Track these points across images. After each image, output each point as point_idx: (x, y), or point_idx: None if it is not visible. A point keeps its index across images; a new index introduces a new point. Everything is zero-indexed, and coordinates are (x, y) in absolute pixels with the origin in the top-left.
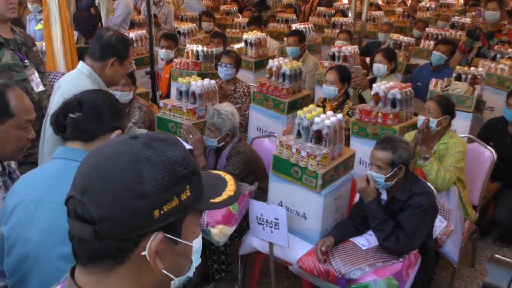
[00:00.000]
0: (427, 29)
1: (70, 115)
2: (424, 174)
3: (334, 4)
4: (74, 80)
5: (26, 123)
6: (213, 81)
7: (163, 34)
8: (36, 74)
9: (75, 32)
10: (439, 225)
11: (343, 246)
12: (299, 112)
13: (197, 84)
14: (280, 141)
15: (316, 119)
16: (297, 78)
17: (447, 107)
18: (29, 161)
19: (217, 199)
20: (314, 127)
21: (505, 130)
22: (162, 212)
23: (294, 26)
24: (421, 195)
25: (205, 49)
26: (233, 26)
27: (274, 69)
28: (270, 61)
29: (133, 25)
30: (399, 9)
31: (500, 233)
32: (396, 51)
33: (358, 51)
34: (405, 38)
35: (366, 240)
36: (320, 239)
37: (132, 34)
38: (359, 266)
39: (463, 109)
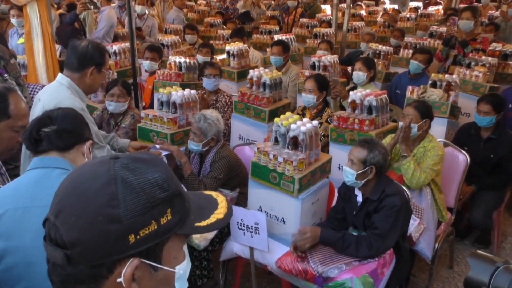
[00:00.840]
0: (406, 38)
1: (44, 129)
2: (398, 177)
3: (316, 15)
4: (54, 91)
5: (20, 127)
6: (193, 91)
7: (148, 46)
8: (17, 88)
9: (58, 46)
10: (412, 223)
11: (321, 247)
12: (276, 119)
13: (177, 94)
14: (258, 148)
15: (292, 126)
16: (277, 87)
17: (425, 111)
18: (14, 173)
19: (204, 223)
20: (291, 134)
21: (478, 134)
22: (138, 237)
23: (277, 37)
24: (394, 196)
25: (187, 60)
26: (216, 38)
27: (254, 78)
28: (251, 71)
29: (117, 38)
30: (380, 20)
31: (477, 235)
32: (375, 60)
33: (338, 60)
34: (384, 47)
35: None
36: (297, 233)
37: (115, 47)
38: (336, 265)
39: (438, 115)
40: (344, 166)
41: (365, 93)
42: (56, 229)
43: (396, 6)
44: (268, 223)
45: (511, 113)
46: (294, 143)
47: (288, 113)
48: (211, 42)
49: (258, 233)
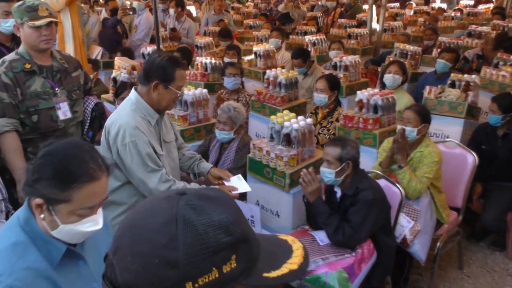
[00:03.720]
0: (440, 38)
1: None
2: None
3: (357, 15)
4: (121, 105)
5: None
6: (204, 90)
7: (177, 48)
8: (66, 102)
9: (100, 48)
10: (406, 225)
11: (302, 240)
12: (272, 117)
13: (189, 93)
14: (254, 144)
15: (286, 123)
16: (292, 87)
17: (425, 116)
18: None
19: (274, 273)
20: (284, 131)
21: (494, 132)
22: (196, 285)
23: (307, 38)
24: (367, 190)
25: (213, 61)
26: (250, 39)
27: (271, 78)
28: (267, 71)
29: (154, 41)
30: (420, 19)
31: (494, 237)
32: (403, 59)
33: (360, 60)
34: (412, 47)
35: (325, 236)
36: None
37: (149, 49)
38: (314, 259)
39: (455, 115)
40: (321, 168)
41: (372, 92)
42: (113, 267)
43: (444, 5)
44: (264, 217)
45: None
46: (288, 139)
47: (285, 111)
48: (245, 43)
49: (254, 226)
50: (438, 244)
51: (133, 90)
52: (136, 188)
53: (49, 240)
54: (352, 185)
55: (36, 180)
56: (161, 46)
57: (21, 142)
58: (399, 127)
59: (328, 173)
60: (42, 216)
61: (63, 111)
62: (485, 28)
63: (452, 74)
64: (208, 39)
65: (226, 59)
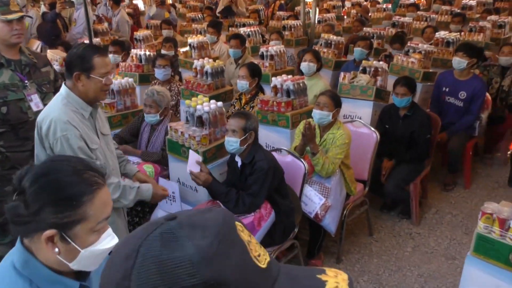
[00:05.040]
0: (365, 28)
1: (14, 196)
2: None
3: (296, 8)
4: (52, 101)
5: None
6: (130, 79)
7: (111, 40)
8: (36, 94)
9: (39, 42)
10: (318, 202)
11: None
12: (186, 101)
13: (115, 82)
14: (171, 127)
15: (198, 107)
16: (218, 75)
17: (338, 101)
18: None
19: None
20: (197, 113)
21: (397, 113)
22: None
23: (242, 30)
24: (262, 161)
25: (147, 52)
26: (190, 32)
27: (198, 68)
28: (195, 61)
29: (97, 34)
30: (353, 11)
31: (403, 207)
32: (326, 49)
33: (285, 50)
34: (335, 37)
35: None
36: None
37: (87, 42)
38: None
39: (365, 98)
40: (226, 137)
41: (285, 78)
42: None
43: None
44: (184, 192)
45: (444, 95)
46: (200, 121)
47: (200, 96)
48: (186, 35)
49: (175, 201)
50: (345, 212)
51: (63, 85)
52: None
53: (58, 280)
54: (250, 155)
55: (36, 211)
56: (98, 39)
57: None
58: (316, 111)
59: (233, 142)
60: (56, 250)
61: (35, 103)
62: (407, 19)
63: (363, 61)
64: (147, 32)
65: (163, 51)
